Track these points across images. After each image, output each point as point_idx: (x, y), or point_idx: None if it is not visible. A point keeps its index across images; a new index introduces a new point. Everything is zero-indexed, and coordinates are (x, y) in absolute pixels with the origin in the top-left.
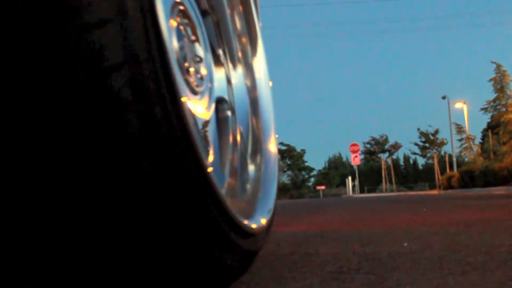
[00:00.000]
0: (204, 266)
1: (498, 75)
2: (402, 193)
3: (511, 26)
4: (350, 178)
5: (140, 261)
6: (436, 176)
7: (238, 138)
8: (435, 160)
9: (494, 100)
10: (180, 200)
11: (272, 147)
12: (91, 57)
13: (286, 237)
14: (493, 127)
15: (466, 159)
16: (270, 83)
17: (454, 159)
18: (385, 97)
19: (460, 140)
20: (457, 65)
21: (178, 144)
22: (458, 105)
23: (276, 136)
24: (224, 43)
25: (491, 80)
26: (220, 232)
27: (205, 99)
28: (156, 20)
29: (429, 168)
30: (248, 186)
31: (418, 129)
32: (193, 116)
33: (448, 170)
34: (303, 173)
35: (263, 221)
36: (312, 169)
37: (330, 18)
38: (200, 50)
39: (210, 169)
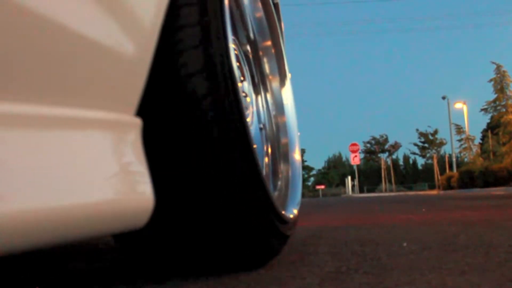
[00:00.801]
0: (259, 246)
1: (498, 75)
2: (401, 193)
3: None
4: (349, 177)
5: (220, 239)
6: (436, 176)
7: (270, 149)
8: (435, 160)
9: (494, 101)
10: (245, 197)
11: (297, 156)
12: (195, 96)
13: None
14: (492, 127)
15: (465, 160)
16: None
17: (454, 159)
18: (385, 97)
19: (460, 140)
20: (457, 66)
21: (243, 155)
22: (458, 105)
23: (300, 148)
24: (260, 78)
25: (491, 80)
26: (269, 221)
27: (250, 120)
28: (232, 71)
29: (428, 168)
30: (280, 184)
31: (417, 129)
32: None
33: (447, 170)
34: (303, 172)
35: (295, 211)
36: (311, 169)
37: (329, 18)
38: (246, 84)
39: (264, 172)
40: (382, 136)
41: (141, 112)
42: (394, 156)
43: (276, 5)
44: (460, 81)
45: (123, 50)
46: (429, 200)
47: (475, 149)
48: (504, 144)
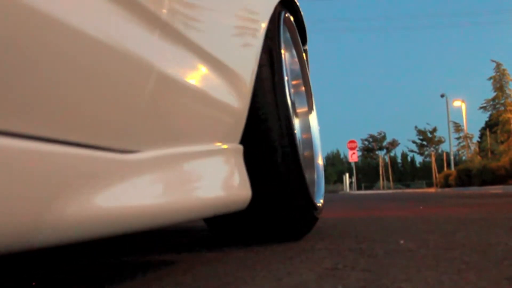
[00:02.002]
0: (302, 224)
1: (498, 74)
2: (399, 190)
3: (511, 25)
4: (347, 174)
5: (277, 221)
6: (434, 174)
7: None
8: (433, 158)
9: (493, 99)
10: (296, 192)
11: (320, 161)
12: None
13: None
14: (491, 126)
15: (463, 158)
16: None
17: (452, 157)
18: (384, 94)
19: (458, 138)
20: (456, 64)
21: (295, 166)
22: (457, 103)
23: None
24: (296, 107)
25: (490, 78)
26: (309, 207)
27: None
28: (290, 117)
29: (426, 166)
30: (309, 182)
31: (416, 127)
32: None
33: (445, 168)
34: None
35: (321, 201)
36: None
37: (327, 14)
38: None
39: (306, 175)
40: (380, 134)
41: (241, 142)
42: (392, 154)
43: (305, 51)
44: (459, 79)
45: (238, 110)
46: (427, 198)
47: (473, 147)
48: (502, 142)
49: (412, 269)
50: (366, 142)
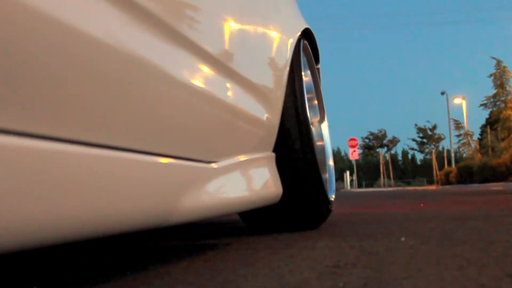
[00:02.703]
0: (319, 215)
1: (498, 71)
2: (400, 188)
3: None
4: (348, 172)
5: (299, 212)
6: (434, 171)
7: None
8: (433, 156)
9: (493, 96)
10: (314, 189)
11: (331, 162)
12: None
13: (283, 231)
14: (491, 123)
15: (464, 155)
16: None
17: (452, 154)
18: (384, 92)
19: (459, 136)
20: (456, 61)
21: (313, 169)
22: (457, 100)
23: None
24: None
25: (491, 75)
26: (326, 204)
27: None
28: (310, 131)
29: (427, 164)
30: (323, 181)
31: (416, 124)
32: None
33: (446, 165)
34: None
35: (333, 196)
36: None
37: (324, 12)
38: None
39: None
40: (380, 131)
41: (274, 150)
42: (392, 151)
43: (318, 70)
44: (459, 76)
45: (273, 127)
46: (428, 195)
47: (474, 144)
48: (502, 139)
49: (413, 266)
50: (366, 140)
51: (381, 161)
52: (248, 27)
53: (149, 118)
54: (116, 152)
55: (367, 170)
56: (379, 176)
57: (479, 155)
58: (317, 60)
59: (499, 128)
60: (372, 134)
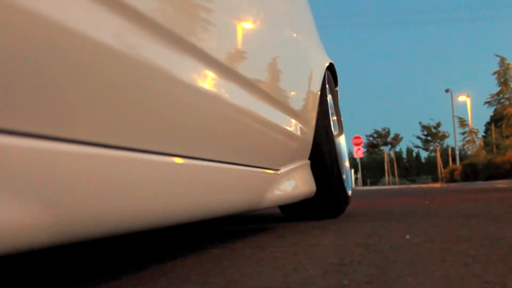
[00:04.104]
0: (339, 207)
1: (502, 68)
2: (404, 186)
3: None
4: (352, 170)
5: (323, 205)
6: (439, 169)
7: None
8: (438, 153)
9: (497, 94)
10: (336, 186)
11: (347, 164)
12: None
13: (289, 228)
14: (496, 120)
15: (469, 153)
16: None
17: (457, 152)
18: (389, 90)
19: (463, 133)
20: (460, 58)
21: (336, 169)
22: (461, 98)
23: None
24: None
25: (494, 73)
26: (346, 198)
27: None
28: (334, 144)
29: (431, 161)
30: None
31: (420, 122)
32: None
33: (450, 163)
34: None
35: (350, 191)
36: None
37: (329, 10)
38: None
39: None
40: (384, 129)
41: (309, 158)
42: (397, 149)
43: (337, 91)
44: (463, 74)
45: (309, 140)
46: (432, 193)
47: (478, 142)
48: (507, 137)
49: (418, 264)
50: (371, 138)
51: (386, 159)
52: (296, 72)
53: (254, 147)
54: (231, 166)
55: (372, 168)
56: (384, 174)
57: (484, 152)
58: (336, 84)
59: (503, 126)
60: (376, 132)
